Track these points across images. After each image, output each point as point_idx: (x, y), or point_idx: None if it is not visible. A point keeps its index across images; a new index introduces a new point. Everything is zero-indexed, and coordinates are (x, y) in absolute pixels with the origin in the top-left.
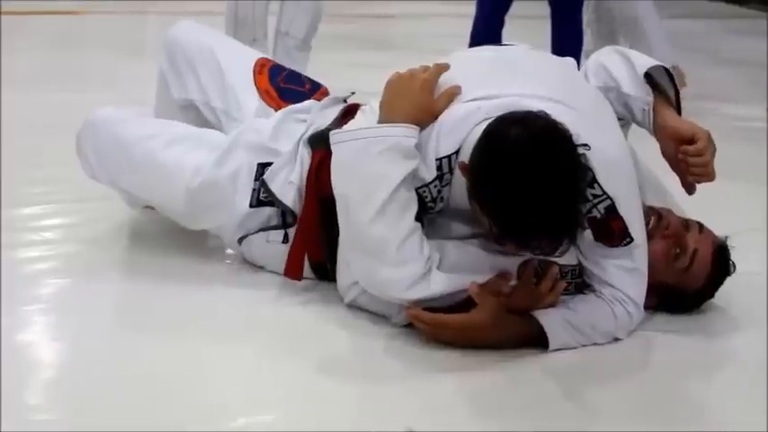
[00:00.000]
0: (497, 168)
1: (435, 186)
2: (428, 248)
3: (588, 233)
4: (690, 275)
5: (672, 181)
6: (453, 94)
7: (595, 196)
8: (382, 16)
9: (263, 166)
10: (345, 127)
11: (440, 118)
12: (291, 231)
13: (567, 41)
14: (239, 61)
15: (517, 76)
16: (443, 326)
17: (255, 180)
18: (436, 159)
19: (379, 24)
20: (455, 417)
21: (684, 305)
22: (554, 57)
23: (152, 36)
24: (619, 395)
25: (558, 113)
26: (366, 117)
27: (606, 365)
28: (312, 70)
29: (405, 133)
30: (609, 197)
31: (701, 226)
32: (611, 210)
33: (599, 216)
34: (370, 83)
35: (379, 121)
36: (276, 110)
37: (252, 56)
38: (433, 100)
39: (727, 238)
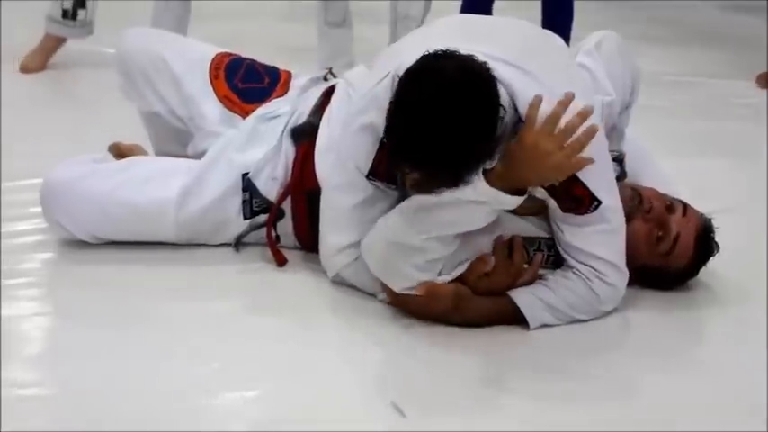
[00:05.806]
0: (404, 90)
1: None
2: None
3: (556, 206)
4: (672, 258)
5: (667, 161)
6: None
7: None
8: None
9: (246, 176)
10: None
11: None
12: (280, 225)
13: (556, 18)
14: (193, 67)
15: (479, 37)
16: (404, 305)
17: (244, 191)
18: None
19: None
20: (439, 393)
21: (666, 284)
22: (533, 26)
23: None
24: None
25: (507, 73)
26: (339, 96)
27: (583, 343)
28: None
29: None
30: None
31: (685, 207)
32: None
33: (556, 183)
34: None
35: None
36: (240, 113)
37: (205, 56)
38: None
39: (711, 219)
